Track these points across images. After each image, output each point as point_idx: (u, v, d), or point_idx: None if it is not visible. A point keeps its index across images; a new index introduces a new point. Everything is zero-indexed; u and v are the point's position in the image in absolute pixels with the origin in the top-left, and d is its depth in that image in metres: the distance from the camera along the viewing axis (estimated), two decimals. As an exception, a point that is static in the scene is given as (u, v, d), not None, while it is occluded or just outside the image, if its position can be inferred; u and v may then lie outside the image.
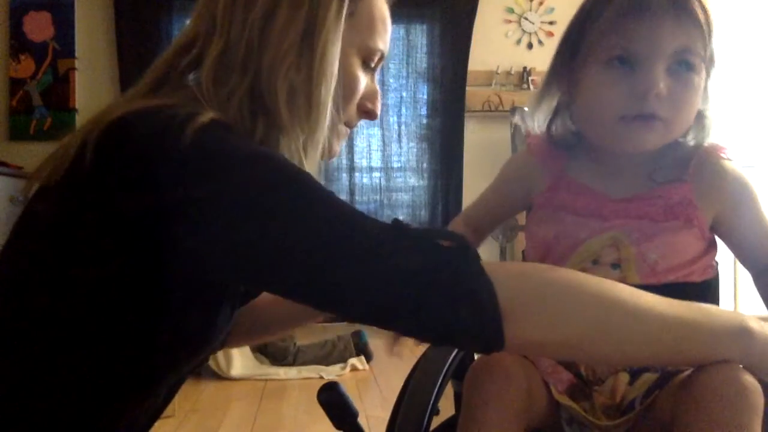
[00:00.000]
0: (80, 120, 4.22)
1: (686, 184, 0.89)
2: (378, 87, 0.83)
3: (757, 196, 0.91)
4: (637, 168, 0.91)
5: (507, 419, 0.77)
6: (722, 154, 0.91)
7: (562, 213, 0.92)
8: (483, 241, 1.07)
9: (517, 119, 0.96)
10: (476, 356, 0.98)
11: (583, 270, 0.87)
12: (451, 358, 0.94)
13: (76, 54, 4.23)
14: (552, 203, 0.94)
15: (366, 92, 0.79)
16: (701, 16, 0.85)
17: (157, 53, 3.47)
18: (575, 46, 0.90)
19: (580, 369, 0.86)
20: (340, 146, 0.82)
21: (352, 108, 0.79)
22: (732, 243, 0.92)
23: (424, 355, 0.96)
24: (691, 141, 0.92)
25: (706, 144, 0.91)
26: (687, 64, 0.85)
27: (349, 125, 0.81)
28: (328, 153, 0.79)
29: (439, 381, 0.91)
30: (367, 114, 0.81)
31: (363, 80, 0.78)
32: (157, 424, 2.50)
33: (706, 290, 0.90)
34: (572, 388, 0.85)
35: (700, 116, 0.91)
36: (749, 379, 0.71)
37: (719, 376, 0.70)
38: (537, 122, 0.98)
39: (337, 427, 0.80)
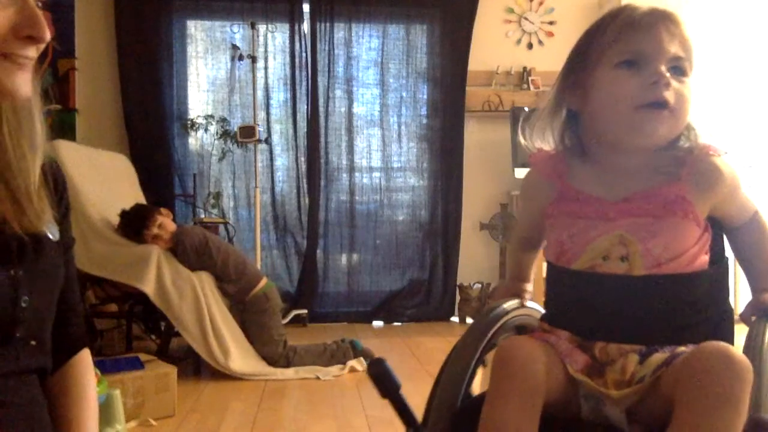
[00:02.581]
0: (80, 120, 4.22)
1: (680, 183, 0.99)
2: (37, 8, 0.74)
3: (740, 179, 1.03)
4: (637, 170, 1.02)
5: (528, 392, 0.89)
6: (712, 152, 1.01)
7: (572, 218, 1.03)
8: (539, 249, 1.21)
9: (523, 142, 1.08)
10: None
11: (594, 266, 0.99)
12: (496, 327, 1.06)
13: (76, 54, 4.23)
14: (562, 211, 1.05)
15: (19, 18, 0.73)
16: (686, 33, 1.00)
17: (157, 53, 3.50)
18: (582, 61, 1.04)
19: (595, 351, 0.97)
20: (18, 82, 0.74)
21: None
22: (719, 218, 1.05)
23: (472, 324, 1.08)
24: (682, 144, 1.02)
25: (696, 145, 1.02)
26: (680, 70, 0.99)
27: (15, 55, 0.74)
28: (2, 91, 0.73)
29: (484, 342, 1.03)
30: (33, 39, 0.74)
31: None
32: (157, 423, 2.48)
33: (705, 278, 1.00)
34: (588, 367, 0.95)
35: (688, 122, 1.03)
36: (739, 356, 0.81)
37: (712, 354, 0.81)
38: (552, 137, 1.10)
39: (383, 397, 0.93)
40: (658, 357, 0.91)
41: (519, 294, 1.19)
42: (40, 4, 0.75)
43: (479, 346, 1.02)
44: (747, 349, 0.92)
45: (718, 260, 1.04)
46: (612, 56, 0.99)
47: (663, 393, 0.87)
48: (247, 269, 3.18)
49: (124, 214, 3.06)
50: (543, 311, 1.16)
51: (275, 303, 3.15)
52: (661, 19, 0.98)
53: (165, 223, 3.05)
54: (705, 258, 1.01)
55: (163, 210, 3.13)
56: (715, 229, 1.04)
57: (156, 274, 2.88)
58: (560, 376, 0.94)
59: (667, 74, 0.96)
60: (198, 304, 2.88)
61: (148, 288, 2.83)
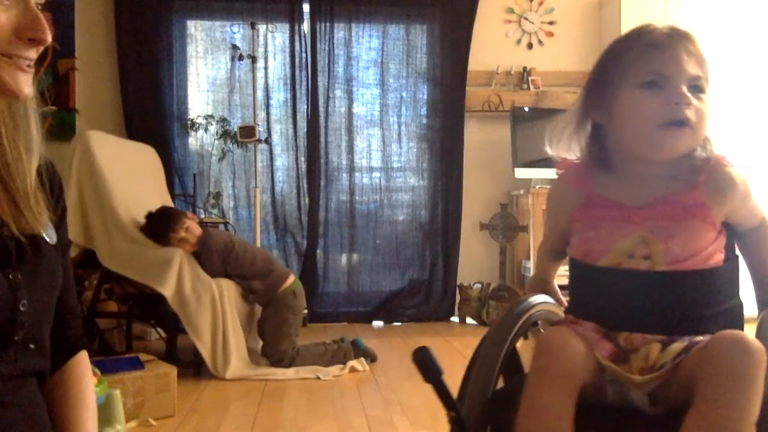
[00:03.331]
0: (80, 120, 4.23)
1: (698, 189, 1.08)
2: (38, 11, 0.76)
3: (751, 188, 1.13)
4: (656, 178, 1.10)
5: (566, 376, 0.98)
6: (726, 163, 1.10)
7: (599, 221, 1.12)
8: (564, 259, 1.28)
9: (549, 151, 1.18)
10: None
11: (620, 263, 1.08)
12: (525, 317, 1.15)
13: (76, 54, 4.23)
14: (589, 216, 1.14)
15: (22, 20, 0.74)
16: (702, 51, 1.08)
17: (157, 53, 3.51)
18: (606, 79, 1.11)
19: (620, 340, 1.05)
20: (22, 82, 0.75)
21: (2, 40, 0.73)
22: (733, 222, 1.14)
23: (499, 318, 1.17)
24: (699, 153, 1.10)
25: (711, 155, 1.10)
26: (699, 88, 1.07)
27: (16, 55, 0.75)
28: (5, 91, 0.75)
29: (513, 331, 1.11)
30: (35, 41, 0.75)
31: None
32: (157, 423, 2.48)
33: (720, 274, 1.09)
34: (613, 355, 1.03)
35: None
36: (754, 342, 0.91)
37: (730, 340, 0.91)
38: (577, 148, 1.18)
39: (426, 381, 0.98)
40: (678, 345, 1.00)
41: (548, 294, 1.29)
42: (40, 6, 0.75)
43: (509, 335, 1.10)
44: (757, 338, 1.00)
45: (730, 258, 1.13)
46: (635, 76, 1.07)
47: (682, 378, 0.96)
48: (275, 266, 3.20)
49: (151, 217, 3.05)
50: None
51: (301, 303, 3.17)
52: (680, 40, 1.07)
53: (192, 226, 3.05)
54: (720, 256, 1.09)
55: (189, 214, 3.13)
56: (727, 230, 1.13)
57: (177, 277, 2.88)
58: (591, 363, 1.03)
59: (688, 94, 1.05)
60: (215, 311, 2.88)
61: (167, 291, 2.83)
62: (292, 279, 3.16)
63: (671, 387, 0.98)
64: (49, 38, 0.75)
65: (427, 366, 0.97)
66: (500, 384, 1.11)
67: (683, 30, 1.09)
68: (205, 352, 2.86)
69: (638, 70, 1.07)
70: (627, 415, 1.02)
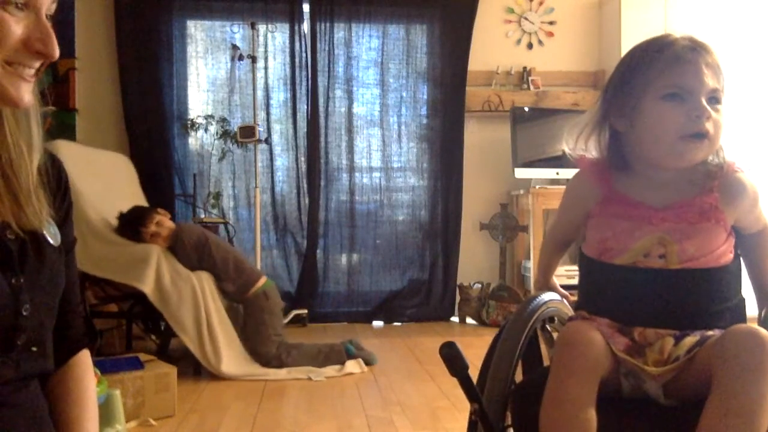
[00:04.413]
0: (80, 120, 4.22)
1: (713, 194, 1.14)
2: (50, 27, 0.79)
3: (760, 194, 1.18)
4: (674, 182, 1.16)
5: (589, 368, 1.03)
6: (737, 169, 1.16)
7: (617, 219, 1.17)
8: (569, 248, 1.34)
9: (566, 149, 1.22)
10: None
11: (636, 262, 1.13)
12: (538, 312, 1.22)
13: (76, 54, 4.23)
14: (609, 212, 1.18)
15: (32, 33, 0.77)
16: (719, 62, 1.13)
17: (157, 53, 3.50)
18: (627, 89, 1.16)
19: (634, 335, 1.11)
20: (23, 91, 0.78)
21: (7, 50, 0.75)
22: (738, 225, 1.19)
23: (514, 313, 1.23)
24: (712, 160, 1.17)
25: (724, 162, 1.17)
26: (716, 99, 1.13)
27: (21, 65, 0.77)
28: (6, 100, 0.77)
29: (529, 325, 1.17)
30: (41, 55, 0.78)
31: (10, 24, 0.75)
32: (157, 423, 2.48)
33: (728, 272, 1.15)
34: (629, 348, 1.09)
35: None
36: (766, 335, 0.96)
37: (745, 334, 0.97)
38: (595, 150, 1.23)
39: (452, 375, 1.02)
40: (691, 339, 1.05)
41: (554, 291, 1.36)
42: (50, 17, 0.77)
43: (525, 329, 1.16)
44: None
45: (735, 257, 1.19)
46: (658, 88, 1.12)
47: (696, 370, 1.02)
48: (246, 267, 3.18)
49: (122, 216, 3.08)
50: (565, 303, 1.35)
51: (274, 302, 3.15)
52: (701, 53, 1.12)
53: (162, 220, 3.07)
54: (730, 256, 1.16)
55: (160, 210, 3.14)
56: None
57: (155, 273, 2.88)
58: (608, 356, 1.08)
59: (707, 107, 1.10)
60: (196, 304, 2.88)
61: (147, 288, 2.84)
62: (263, 280, 3.16)
63: (685, 379, 1.04)
64: (56, 54, 0.78)
65: (454, 360, 1.01)
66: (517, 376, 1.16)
67: (702, 42, 1.14)
68: (192, 346, 2.85)
69: (661, 82, 1.12)
70: (642, 405, 1.07)
